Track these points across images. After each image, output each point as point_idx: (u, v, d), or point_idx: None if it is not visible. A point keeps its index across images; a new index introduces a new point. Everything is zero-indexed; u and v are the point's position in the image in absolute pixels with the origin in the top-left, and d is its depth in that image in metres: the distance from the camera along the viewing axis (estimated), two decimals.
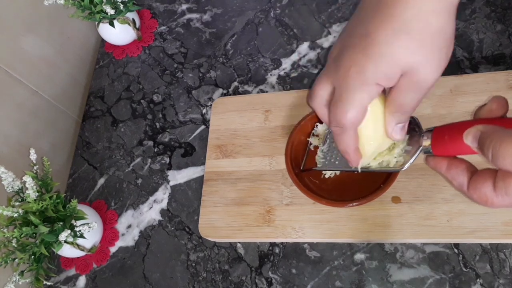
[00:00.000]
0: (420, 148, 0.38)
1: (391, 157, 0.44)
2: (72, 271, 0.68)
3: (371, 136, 0.38)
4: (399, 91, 0.34)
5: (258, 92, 0.73)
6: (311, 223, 0.59)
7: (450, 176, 0.34)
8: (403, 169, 0.42)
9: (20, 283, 0.59)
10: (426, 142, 0.37)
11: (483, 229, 0.53)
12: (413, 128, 0.42)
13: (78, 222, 0.62)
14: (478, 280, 0.53)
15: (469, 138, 0.31)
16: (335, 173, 0.60)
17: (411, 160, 0.40)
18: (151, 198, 0.70)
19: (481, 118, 0.33)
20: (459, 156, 0.35)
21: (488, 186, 0.30)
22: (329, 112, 0.37)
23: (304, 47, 0.74)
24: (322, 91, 0.37)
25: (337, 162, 0.53)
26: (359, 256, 0.58)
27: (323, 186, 0.60)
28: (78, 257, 0.68)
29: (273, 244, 0.62)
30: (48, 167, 0.62)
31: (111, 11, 0.74)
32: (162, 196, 0.70)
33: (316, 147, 0.60)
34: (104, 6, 0.74)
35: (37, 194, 0.58)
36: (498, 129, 0.29)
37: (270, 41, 0.77)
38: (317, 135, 0.61)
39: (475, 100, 0.59)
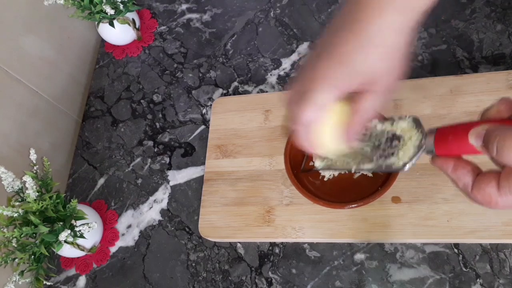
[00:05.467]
0: (423, 149, 0.38)
1: (395, 158, 0.43)
2: (72, 271, 0.68)
3: (329, 141, 0.41)
4: (360, 101, 0.37)
5: (258, 92, 0.73)
6: (311, 223, 0.59)
7: (456, 177, 0.34)
8: (405, 170, 0.42)
9: (20, 283, 0.59)
10: (429, 143, 0.37)
11: (483, 229, 0.53)
12: (416, 128, 0.42)
13: (78, 222, 0.62)
14: (478, 280, 0.53)
15: (474, 137, 0.31)
16: (333, 174, 0.60)
17: (413, 161, 0.40)
18: (151, 198, 0.70)
19: (488, 119, 0.33)
20: (464, 157, 0.34)
21: (492, 186, 0.30)
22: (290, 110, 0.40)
23: (304, 47, 0.74)
24: (291, 96, 0.40)
25: (337, 163, 0.53)
26: (359, 256, 0.58)
27: (322, 187, 0.60)
28: (78, 257, 0.68)
29: (273, 244, 0.62)
30: (48, 167, 0.62)
31: (111, 11, 0.74)
32: (162, 196, 0.70)
33: None
34: (104, 6, 0.74)
35: (37, 194, 0.58)
36: (504, 126, 0.29)
37: (270, 41, 0.77)
38: None
39: (475, 100, 0.59)
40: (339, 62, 0.36)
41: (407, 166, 0.41)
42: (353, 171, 0.51)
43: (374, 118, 0.40)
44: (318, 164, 0.56)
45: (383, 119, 0.49)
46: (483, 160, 0.33)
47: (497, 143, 0.28)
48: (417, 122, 0.42)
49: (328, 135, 0.41)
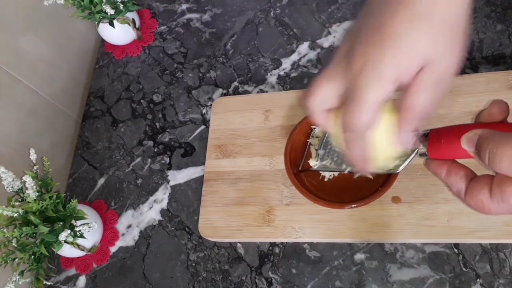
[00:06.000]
0: (416, 151, 0.38)
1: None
2: (72, 271, 0.68)
3: (383, 146, 0.36)
4: (416, 91, 0.30)
5: (258, 92, 0.73)
6: (311, 223, 0.59)
7: (449, 182, 0.33)
8: (398, 171, 0.41)
9: (20, 283, 0.59)
10: (422, 145, 0.36)
11: (483, 229, 0.53)
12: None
13: (78, 222, 0.62)
14: (478, 280, 0.53)
15: (466, 142, 0.31)
16: (333, 175, 0.60)
17: (406, 163, 0.40)
18: (151, 198, 0.70)
19: (481, 122, 0.33)
20: (458, 160, 0.34)
21: (484, 193, 0.30)
22: (342, 115, 0.33)
23: (304, 47, 0.74)
24: (326, 91, 0.34)
25: (333, 164, 0.53)
26: (359, 256, 0.58)
27: (322, 187, 0.60)
28: (78, 257, 0.68)
29: (273, 244, 0.62)
30: (48, 167, 0.62)
31: (111, 11, 0.74)
32: (162, 196, 0.70)
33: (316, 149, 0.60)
34: (104, 6, 0.74)
35: (37, 194, 0.58)
36: (496, 132, 0.29)
37: (270, 41, 0.76)
38: (316, 137, 0.61)
39: (475, 100, 0.59)
40: (387, 44, 0.29)
41: (400, 169, 0.41)
42: (345, 172, 0.51)
43: (432, 113, 0.32)
44: (313, 163, 0.56)
45: None
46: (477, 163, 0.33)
47: (489, 151, 0.28)
48: None
49: (381, 141, 0.35)
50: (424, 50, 0.29)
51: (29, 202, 0.58)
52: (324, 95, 0.34)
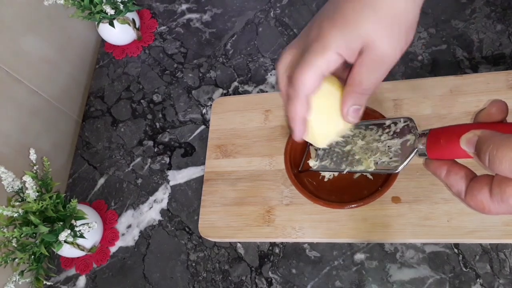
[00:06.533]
0: (415, 151, 0.38)
1: (387, 158, 0.43)
2: (72, 271, 0.68)
3: (325, 118, 0.40)
4: (358, 69, 0.36)
5: (258, 92, 0.73)
6: (311, 223, 0.59)
7: (449, 182, 0.33)
8: (397, 171, 0.41)
9: (20, 283, 0.59)
10: (421, 145, 0.36)
11: (483, 229, 0.53)
12: (409, 129, 0.42)
13: (78, 222, 0.62)
14: (478, 280, 0.53)
15: (465, 143, 0.31)
16: (333, 175, 0.60)
17: (405, 163, 0.40)
18: (151, 198, 0.70)
19: (480, 122, 0.33)
20: (458, 160, 0.34)
21: (484, 193, 0.30)
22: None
23: None
24: (288, 57, 0.40)
25: (332, 165, 0.53)
26: (359, 256, 0.58)
27: (322, 187, 0.60)
28: (78, 257, 0.68)
29: (273, 244, 0.62)
30: (48, 167, 0.62)
31: (111, 11, 0.74)
32: (162, 196, 0.70)
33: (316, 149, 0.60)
34: (104, 6, 0.74)
35: (37, 194, 0.58)
36: (496, 133, 0.29)
37: (270, 41, 0.76)
38: None
39: (475, 100, 0.59)
40: (337, 23, 0.34)
41: (399, 168, 0.41)
42: (344, 172, 0.51)
43: (376, 89, 0.37)
44: (312, 164, 0.56)
45: (378, 118, 0.48)
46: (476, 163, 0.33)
47: (489, 153, 0.28)
48: (411, 123, 0.42)
49: (322, 112, 0.39)
50: (366, 34, 0.34)
51: (29, 202, 0.58)
52: (286, 60, 0.40)
